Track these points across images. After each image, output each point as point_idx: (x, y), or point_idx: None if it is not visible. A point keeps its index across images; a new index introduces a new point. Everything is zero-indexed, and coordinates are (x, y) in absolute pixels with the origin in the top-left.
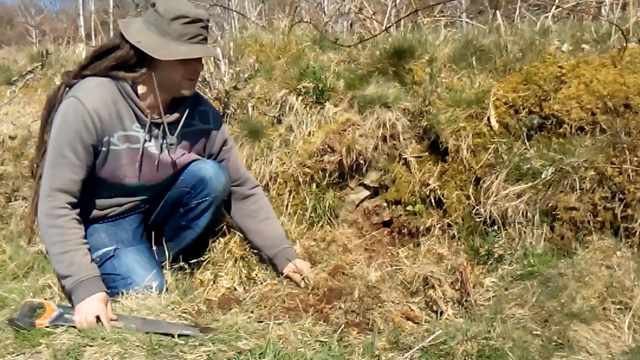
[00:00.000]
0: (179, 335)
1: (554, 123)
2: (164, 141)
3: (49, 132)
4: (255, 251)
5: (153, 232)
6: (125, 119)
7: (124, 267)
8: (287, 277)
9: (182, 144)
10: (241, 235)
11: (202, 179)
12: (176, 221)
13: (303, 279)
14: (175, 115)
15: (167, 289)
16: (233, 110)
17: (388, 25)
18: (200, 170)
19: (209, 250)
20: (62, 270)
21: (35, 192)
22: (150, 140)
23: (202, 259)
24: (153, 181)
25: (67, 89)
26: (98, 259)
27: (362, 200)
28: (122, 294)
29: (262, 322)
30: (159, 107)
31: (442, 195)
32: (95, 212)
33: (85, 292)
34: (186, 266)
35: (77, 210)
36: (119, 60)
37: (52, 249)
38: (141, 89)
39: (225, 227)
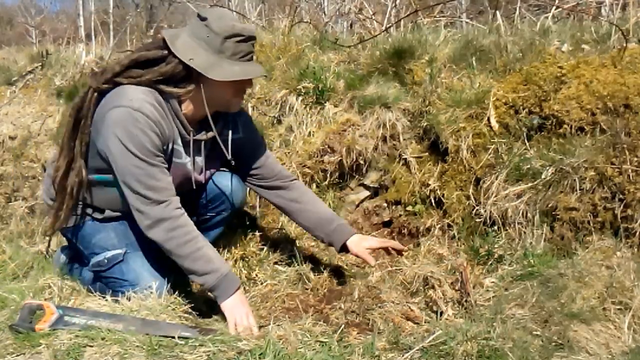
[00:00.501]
0: (179, 337)
1: (554, 123)
2: (200, 156)
3: (77, 141)
4: (255, 251)
5: None
6: (170, 132)
7: (132, 273)
8: (355, 254)
9: (213, 156)
10: (243, 235)
11: (221, 193)
12: None
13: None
14: (212, 132)
15: (167, 291)
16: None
17: (388, 26)
18: (220, 184)
19: None
20: (201, 267)
21: (62, 203)
22: (189, 156)
23: None
24: (178, 191)
25: (96, 94)
26: (106, 261)
27: (362, 201)
28: (123, 293)
29: (262, 322)
30: (199, 122)
31: (442, 196)
32: (109, 213)
33: (231, 287)
34: None
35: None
36: (164, 75)
37: (182, 250)
38: (185, 105)
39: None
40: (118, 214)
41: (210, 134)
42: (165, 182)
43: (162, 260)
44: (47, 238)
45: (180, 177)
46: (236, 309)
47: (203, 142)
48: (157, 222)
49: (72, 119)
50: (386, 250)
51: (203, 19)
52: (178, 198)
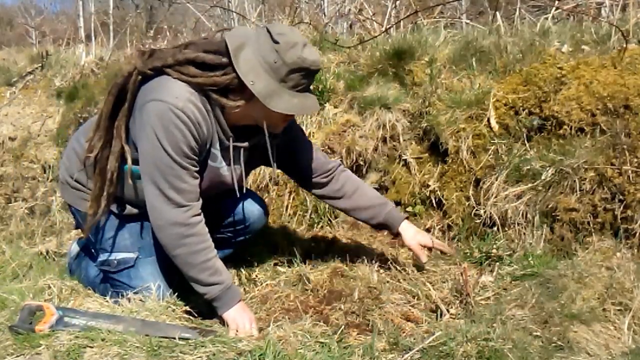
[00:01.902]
0: (179, 338)
1: (554, 124)
2: (238, 163)
3: (117, 122)
4: (255, 252)
5: None
6: (210, 135)
7: (139, 280)
8: (409, 247)
9: (253, 161)
10: None
11: (245, 218)
12: None
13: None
14: (252, 140)
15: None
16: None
17: (388, 27)
18: (246, 210)
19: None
20: (205, 278)
21: (102, 189)
22: (225, 161)
23: None
24: (209, 194)
25: (140, 77)
26: (115, 262)
27: None
28: (122, 295)
29: (261, 323)
30: (239, 128)
31: (442, 197)
32: (129, 209)
33: (232, 299)
34: None
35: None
36: (218, 85)
37: (193, 258)
38: (228, 112)
39: None
40: (137, 211)
41: (251, 142)
42: (192, 185)
43: (172, 267)
44: (88, 227)
45: (212, 180)
46: (239, 316)
47: (242, 149)
48: (172, 225)
49: (112, 98)
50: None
51: (275, 41)
52: (200, 203)
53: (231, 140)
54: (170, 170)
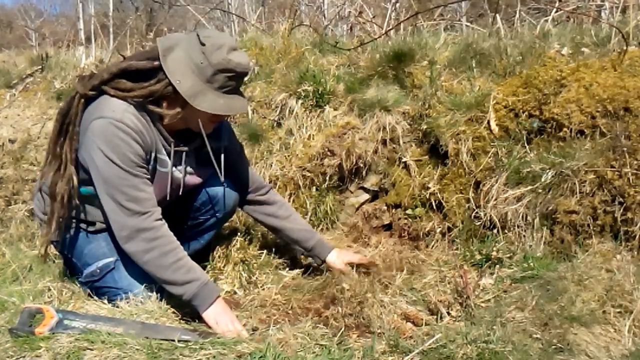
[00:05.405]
0: (179, 340)
1: (554, 126)
2: (184, 166)
3: (65, 147)
4: (255, 255)
5: None
6: (153, 142)
7: (124, 280)
8: (335, 268)
9: (199, 166)
10: (242, 238)
11: (212, 197)
12: (181, 232)
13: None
14: (194, 143)
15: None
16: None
17: (388, 29)
18: (212, 187)
19: (210, 254)
20: (181, 277)
21: (53, 212)
22: (175, 165)
23: (202, 263)
24: (169, 200)
25: (82, 100)
26: (98, 271)
27: (362, 204)
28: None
29: (261, 326)
30: (180, 132)
31: (442, 199)
32: (99, 225)
33: (211, 295)
34: None
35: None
36: (154, 95)
37: (164, 260)
38: (165, 119)
39: (224, 231)
40: (105, 226)
41: (192, 145)
42: (148, 193)
43: None
44: (43, 247)
45: (167, 186)
46: (219, 316)
47: (184, 153)
48: (137, 232)
49: (58, 124)
50: (363, 265)
51: (202, 43)
52: (160, 209)
53: (172, 146)
54: (124, 182)
